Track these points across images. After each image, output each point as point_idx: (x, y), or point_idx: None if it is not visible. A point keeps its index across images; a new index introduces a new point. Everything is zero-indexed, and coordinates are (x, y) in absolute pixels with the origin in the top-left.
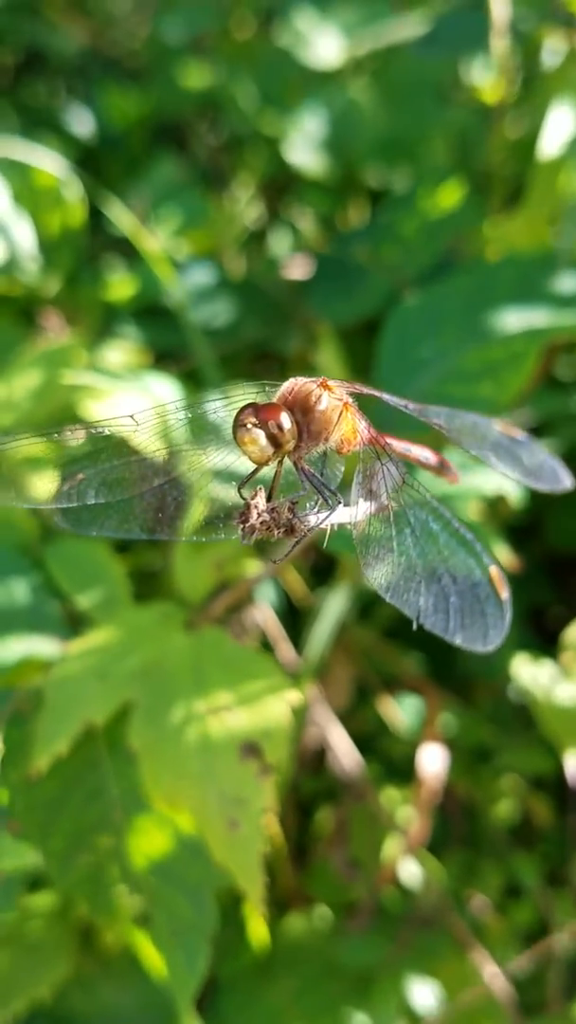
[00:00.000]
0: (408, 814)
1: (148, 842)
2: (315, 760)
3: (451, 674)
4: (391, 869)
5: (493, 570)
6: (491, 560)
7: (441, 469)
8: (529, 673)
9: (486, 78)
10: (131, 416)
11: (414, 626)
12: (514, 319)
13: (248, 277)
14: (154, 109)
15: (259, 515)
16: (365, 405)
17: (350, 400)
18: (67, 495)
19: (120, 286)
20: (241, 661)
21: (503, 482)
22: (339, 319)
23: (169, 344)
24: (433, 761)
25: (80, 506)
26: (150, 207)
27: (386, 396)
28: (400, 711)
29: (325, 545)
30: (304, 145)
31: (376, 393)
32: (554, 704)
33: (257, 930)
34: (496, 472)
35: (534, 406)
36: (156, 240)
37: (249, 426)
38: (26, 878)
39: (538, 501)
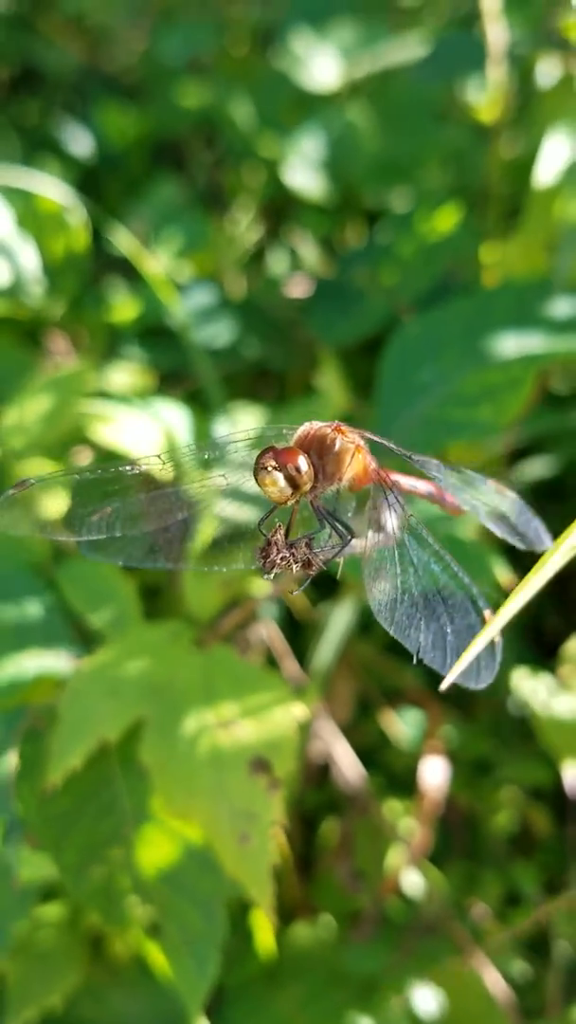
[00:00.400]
0: (410, 825)
1: (158, 854)
2: (319, 773)
3: (452, 688)
4: (394, 879)
5: (487, 614)
6: (486, 604)
7: (444, 503)
8: (528, 686)
9: (482, 99)
10: (159, 456)
11: (414, 660)
12: (512, 344)
13: (249, 298)
14: (152, 128)
15: (279, 551)
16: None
17: (361, 442)
18: (95, 527)
19: (123, 308)
20: (249, 678)
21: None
22: (338, 340)
23: (173, 364)
24: (434, 773)
25: (107, 538)
26: (151, 229)
27: (391, 445)
28: (402, 724)
29: (339, 575)
30: (302, 167)
31: (383, 442)
32: (553, 717)
33: (264, 939)
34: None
35: (530, 424)
36: (158, 262)
37: (270, 468)
38: (39, 889)
39: (537, 514)
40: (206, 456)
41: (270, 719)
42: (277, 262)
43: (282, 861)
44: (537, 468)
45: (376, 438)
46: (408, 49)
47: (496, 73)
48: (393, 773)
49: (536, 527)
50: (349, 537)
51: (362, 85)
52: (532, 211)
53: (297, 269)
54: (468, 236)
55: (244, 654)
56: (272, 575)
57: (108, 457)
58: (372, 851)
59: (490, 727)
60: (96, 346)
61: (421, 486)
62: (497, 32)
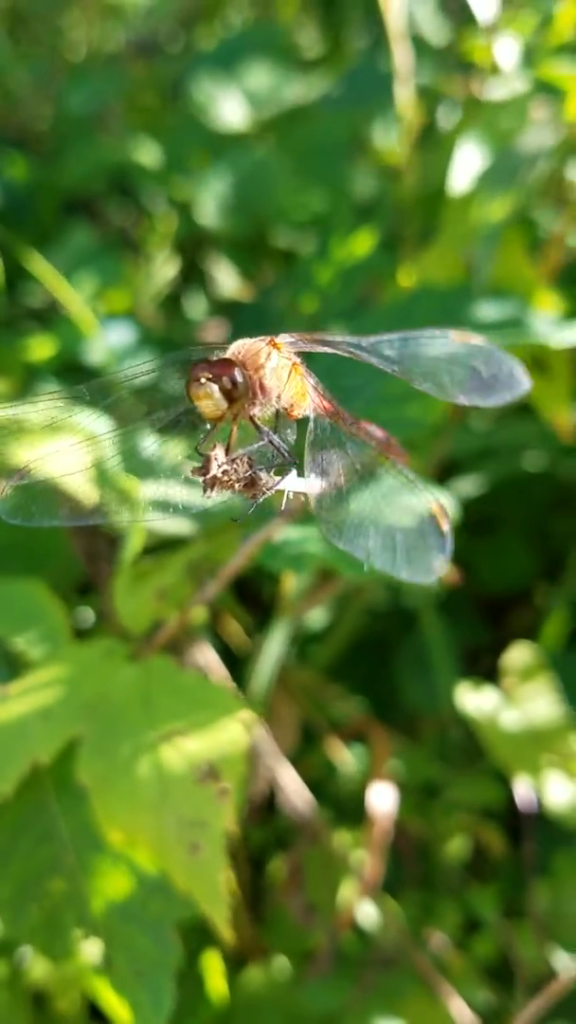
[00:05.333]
0: (361, 856)
1: (104, 882)
2: (263, 810)
3: (395, 712)
4: (348, 912)
5: (435, 505)
6: (433, 496)
7: (388, 446)
8: (473, 701)
9: (389, 139)
10: (83, 387)
11: (364, 568)
12: None
13: (168, 333)
14: (63, 183)
15: (219, 466)
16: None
17: (299, 360)
18: (20, 475)
19: (40, 346)
20: (191, 687)
21: (440, 496)
22: None
23: None
24: (382, 800)
25: (31, 499)
26: (64, 275)
27: (338, 339)
28: (347, 753)
29: (284, 506)
30: (213, 207)
31: (330, 349)
32: (500, 730)
33: (216, 984)
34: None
35: (460, 441)
36: (74, 302)
37: (203, 380)
38: None
39: (470, 542)
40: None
41: (216, 727)
42: (195, 300)
43: (231, 902)
44: (467, 486)
45: (322, 347)
46: (314, 89)
47: (404, 95)
48: (341, 804)
49: (510, 368)
50: (293, 461)
51: (271, 125)
52: (447, 222)
53: (216, 303)
54: (383, 258)
55: None
56: (213, 492)
57: None
58: (324, 884)
59: (437, 750)
60: (13, 385)
61: (366, 425)
62: (403, 57)
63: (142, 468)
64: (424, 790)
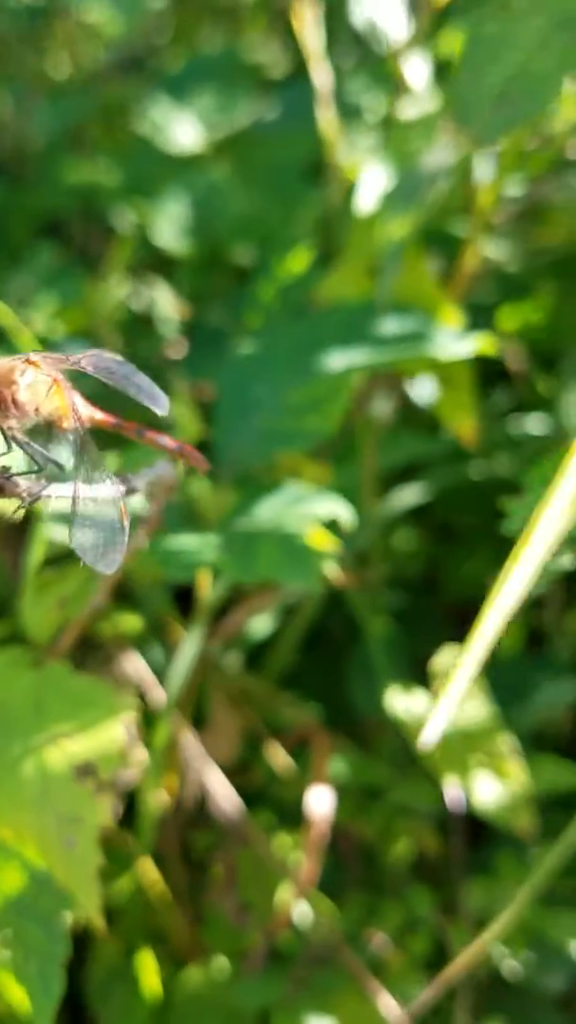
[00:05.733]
0: (299, 858)
1: (2, 879)
2: (205, 815)
3: (349, 719)
4: (285, 912)
5: (122, 506)
6: (123, 496)
7: (183, 454)
8: (402, 704)
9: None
10: None
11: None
12: (338, 359)
13: (126, 353)
14: (34, 204)
15: None
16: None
17: (60, 376)
18: None
19: None
20: (81, 691)
21: (334, 506)
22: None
23: None
24: (320, 803)
25: None
26: (29, 295)
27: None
28: (289, 759)
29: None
30: (169, 229)
31: (80, 366)
32: None
33: (150, 983)
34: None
35: (400, 448)
36: (34, 324)
37: None
38: None
39: (435, 550)
40: None
41: (98, 727)
42: (155, 318)
43: (166, 904)
44: (409, 495)
45: (77, 365)
46: (264, 109)
47: (326, 116)
48: (285, 808)
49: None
50: (45, 466)
51: (225, 146)
52: (354, 239)
53: (175, 323)
54: (320, 274)
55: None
56: None
57: None
58: (259, 885)
59: (388, 755)
60: None
61: (158, 438)
62: (322, 78)
63: None
64: (367, 793)
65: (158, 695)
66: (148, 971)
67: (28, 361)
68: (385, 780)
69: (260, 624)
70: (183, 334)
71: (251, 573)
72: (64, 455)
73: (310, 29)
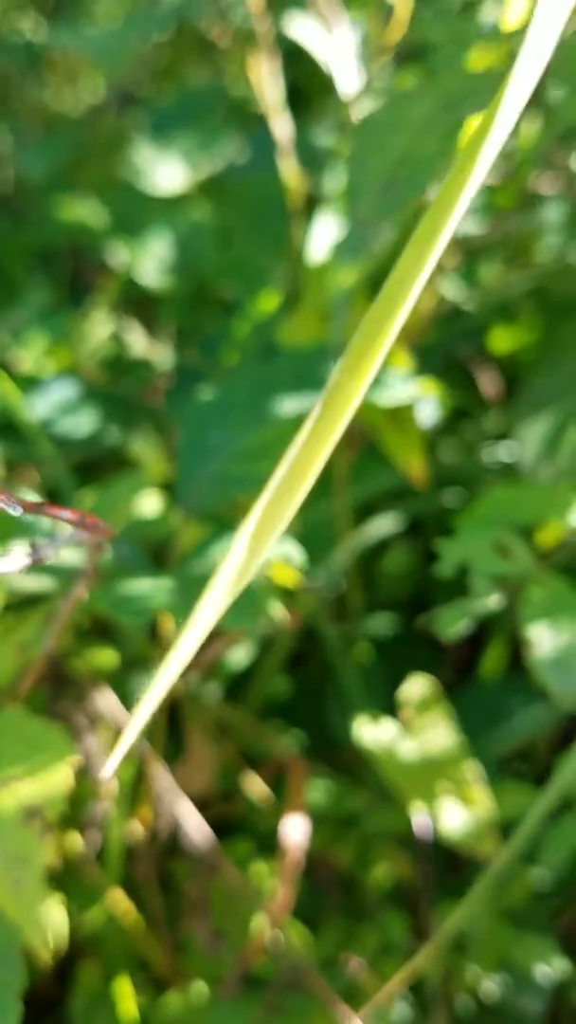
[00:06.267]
0: (274, 886)
1: None
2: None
3: (332, 748)
4: (259, 940)
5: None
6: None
7: (86, 524)
8: (370, 733)
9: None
10: None
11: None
12: (290, 405)
13: (112, 389)
14: (31, 242)
15: None
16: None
17: None
18: None
19: None
20: (36, 734)
21: (284, 547)
22: None
23: (27, 456)
24: (295, 831)
25: None
26: (21, 332)
27: None
28: (266, 788)
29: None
30: (152, 268)
31: None
32: (397, 761)
33: (127, 1008)
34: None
35: (371, 482)
36: (22, 363)
37: None
38: None
39: (425, 574)
40: None
41: (47, 771)
42: (141, 356)
43: (142, 930)
44: (384, 525)
45: None
46: (245, 146)
47: (287, 164)
48: (262, 837)
49: None
50: None
51: (207, 185)
52: (307, 287)
53: (160, 360)
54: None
55: (85, 731)
56: None
57: None
58: (232, 912)
59: (367, 783)
60: None
61: (59, 512)
62: (282, 128)
63: None
64: (344, 821)
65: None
66: (127, 997)
67: None
68: (362, 807)
69: (238, 655)
70: (167, 372)
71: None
72: None
73: (267, 81)
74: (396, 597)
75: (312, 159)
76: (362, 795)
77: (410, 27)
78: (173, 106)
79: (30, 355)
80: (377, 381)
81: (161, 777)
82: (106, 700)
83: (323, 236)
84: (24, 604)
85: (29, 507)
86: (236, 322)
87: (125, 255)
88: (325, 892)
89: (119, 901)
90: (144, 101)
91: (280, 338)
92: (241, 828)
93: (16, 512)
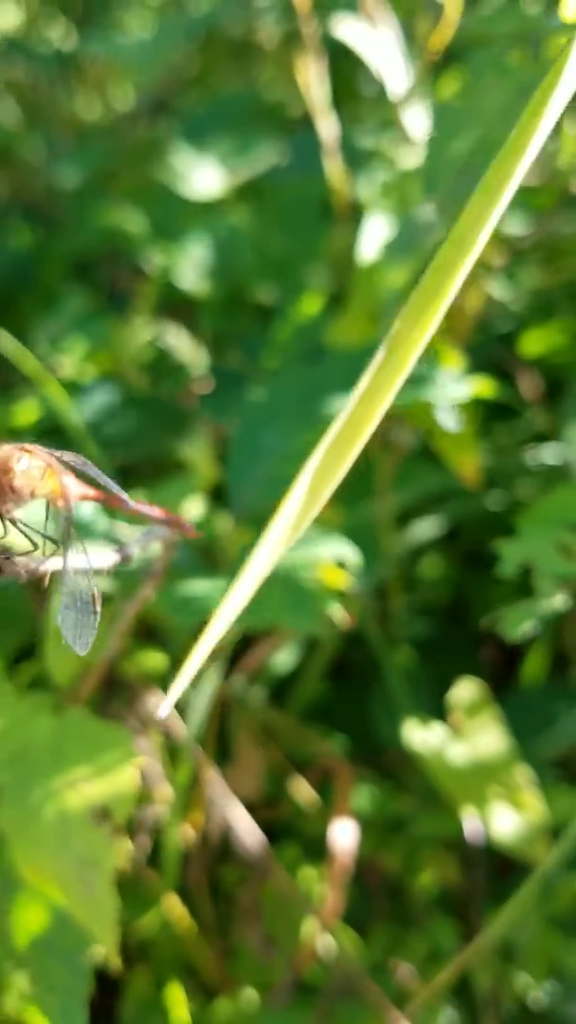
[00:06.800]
0: (324, 891)
1: (26, 918)
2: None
3: (376, 751)
4: (311, 945)
5: (94, 591)
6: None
7: (173, 524)
8: (419, 737)
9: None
10: None
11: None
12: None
13: (152, 393)
14: (68, 249)
15: None
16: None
17: (54, 461)
18: None
19: (24, 412)
20: (97, 736)
21: (340, 548)
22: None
23: None
24: (344, 836)
25: None
26: (60, 338)
27: (74, 459)
28: (314, 792)
29: (46, 584)
30: (192, 272)
31: (75, 463)
32: (447, 765)
33: (179, 1015)
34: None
35: (414, 485)
36: (63, 367)
37: None
38: None
39: (463, 577)
40: None
41: (113, 771)
42: (179, 360)
43: (194, 937)
44: (426, 528)
45: (72, 458)
46: (280, 153)
47: (333, 165)
48: (310, 842)
49: None
50: (43, 543)
51: (245, 189)
52: (358, 286)
53: (199, 364)
54: (332, 316)
55: (138, 731)
56: None
57: None
58: (283, 917)
59: (413, 786)
60: None
61: (149, 510)
62: (328, 129)
63: None
64: (391, 825)
65: (182, 733)
66: (178, 1003)
67: (23, 449)
68: (408, 812)
69: (284, 658)
70: (206, 375)
71: (258, 617)
72: (57, 531)
73: (314, 82)
74: (434, 601)
75: (354, 161)
76: (407, 799)
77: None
78: (208, 111)
79: (70, 360)
80: (429, 380)
81: (214, 781)
82: (157, 703)
83: (374, 235)
84: None
85: (119, 502)
86: (277, 325)
87: (163, 260)
88: (372, 897)
89: (173, 907)
90: (176, 108)
91: (328, 339)
92: (287, 832)
93: (126, 506)
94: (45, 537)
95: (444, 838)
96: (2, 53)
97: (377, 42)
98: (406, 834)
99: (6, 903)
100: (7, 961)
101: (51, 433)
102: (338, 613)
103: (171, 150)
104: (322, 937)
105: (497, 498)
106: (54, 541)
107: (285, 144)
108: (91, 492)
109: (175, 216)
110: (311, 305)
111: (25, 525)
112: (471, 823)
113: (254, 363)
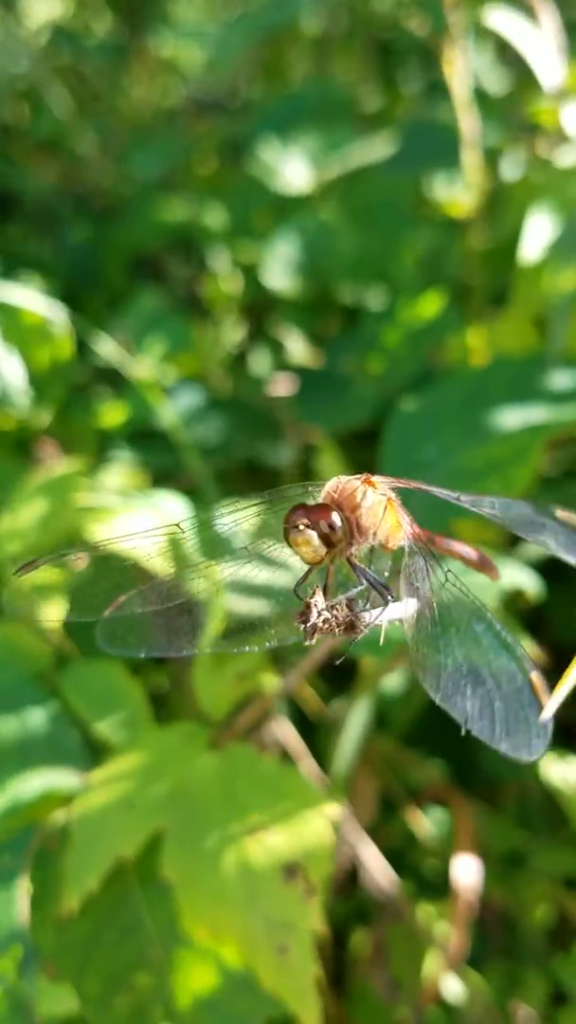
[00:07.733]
0: (445, 929)
1: (191, 977)
2: (345, 881)
3: (474, 778)
4: (433, 987)
5: (534, 676)
6: (532, 666)
7: (483, 565)
8: (558, 772)
9: (451, 194)
10: (178, 525)
11: (463, 731)
12: (512, 417)
13: (236, 396)
14: (129, 243)
15: (319, 614)
16: (410, 499)
17: (393, 495)
18: (114, 606)
19: (111, 413)
20: (273, 778)
21: (519, 575)
22: (330, 428)
23: (165, 465)
24: (467, 872)
25: (124, 626)
26: (134, 337)
27: (435, 489)
28: (427, 822)
29: (382, 642)
30: (279, 269)
31: (425, 487)
32: None
33: None
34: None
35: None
36: (143, 367)
37: (301, 527)
38: None
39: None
40: (223, 528)
41: (300, 821)
42: (261, 360)
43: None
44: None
45: (416, 484)
46: (375, 149)
47: (471, 160)
48: (422, 875)
49: None
50: (389, 597)
51: (333, 187)
52: (519, 289)
53: (282, 364)
54: (451, 321)
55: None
56: (314, 640)
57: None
58: (408, 959)
59: (518, 818)
60: (86, 450)
61: (457, 547)
62: (470, 122)
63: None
64: (507, 859)
65: (307, 763)
66: None
67: (367, 481)
68: (524, 845)
69: (391, 681)
70: (291, 376)
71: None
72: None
73: (460, 77)
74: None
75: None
76: (518, 831)
77: None
78: (286, 104)
79: (148, 361)
80: None
81: (343, 816)
82: (282, 729)
83: (537, 236)
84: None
85: (439, 543)
86: (383, 327)
87: (244, 257)
88: (488, 932)
89: None
90: (229, 104)
91: (489, 345)
92: (396, 865)
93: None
94: (381, 585)
95: (565, 874)
96: (50, 42)
97: (533, 34)
98: (524, 869)
99: (166, 959)
100: (167, 1022)
101: (141, 436)
102: (528, 646)
103: (259, 144)
104: (446, 978)
105: None
106: (386, 589)
107: (394, 140)
108: (420, 532)
109: (258, 213)
110: (428, 308)
111: (366, 572)
112: None
113: (337, 364)
